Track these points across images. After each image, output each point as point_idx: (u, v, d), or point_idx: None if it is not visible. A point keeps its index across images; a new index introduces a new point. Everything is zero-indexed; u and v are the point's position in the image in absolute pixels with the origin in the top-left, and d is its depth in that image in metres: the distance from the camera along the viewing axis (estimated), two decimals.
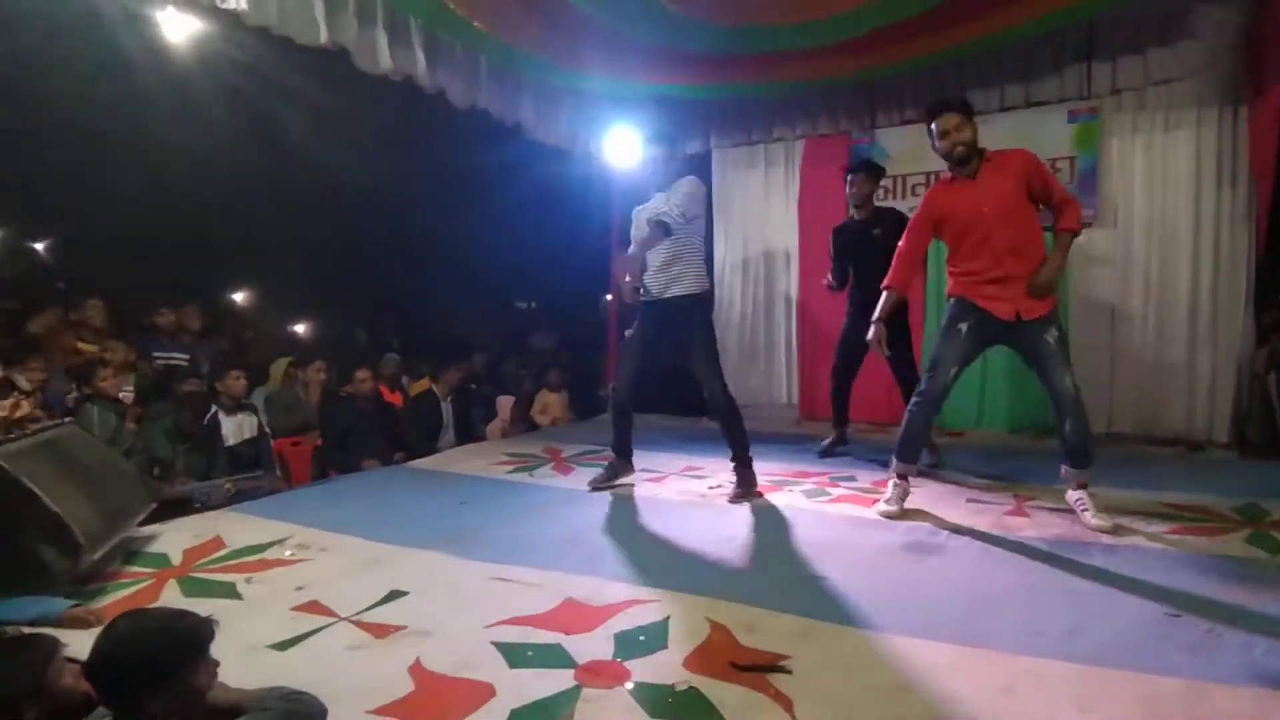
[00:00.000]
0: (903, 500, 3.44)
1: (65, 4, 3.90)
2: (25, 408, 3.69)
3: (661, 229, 3.60)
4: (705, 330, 3.79)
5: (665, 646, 2.18)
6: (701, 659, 2.10)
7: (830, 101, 6.13)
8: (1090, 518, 3.17)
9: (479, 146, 6.85)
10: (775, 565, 2.89)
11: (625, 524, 3.49)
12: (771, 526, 3.38)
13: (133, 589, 2.71)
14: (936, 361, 3.37)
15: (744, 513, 3.58)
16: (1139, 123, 5.23)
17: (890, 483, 3.50)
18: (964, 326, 3.31)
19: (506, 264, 9.45)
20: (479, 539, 3.18)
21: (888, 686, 1.96)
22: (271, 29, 3.71)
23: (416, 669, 2.09)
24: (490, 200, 8.58)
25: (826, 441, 4.85)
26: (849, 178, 4.65)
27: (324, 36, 3.88)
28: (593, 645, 2.19)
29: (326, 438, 5.16)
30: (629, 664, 2.08)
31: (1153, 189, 5.22)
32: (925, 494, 3.78)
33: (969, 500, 3.67)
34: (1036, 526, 3.23)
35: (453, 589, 2.66)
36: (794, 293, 6.52)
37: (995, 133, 5.60)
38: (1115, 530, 3.08)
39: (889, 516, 3.38)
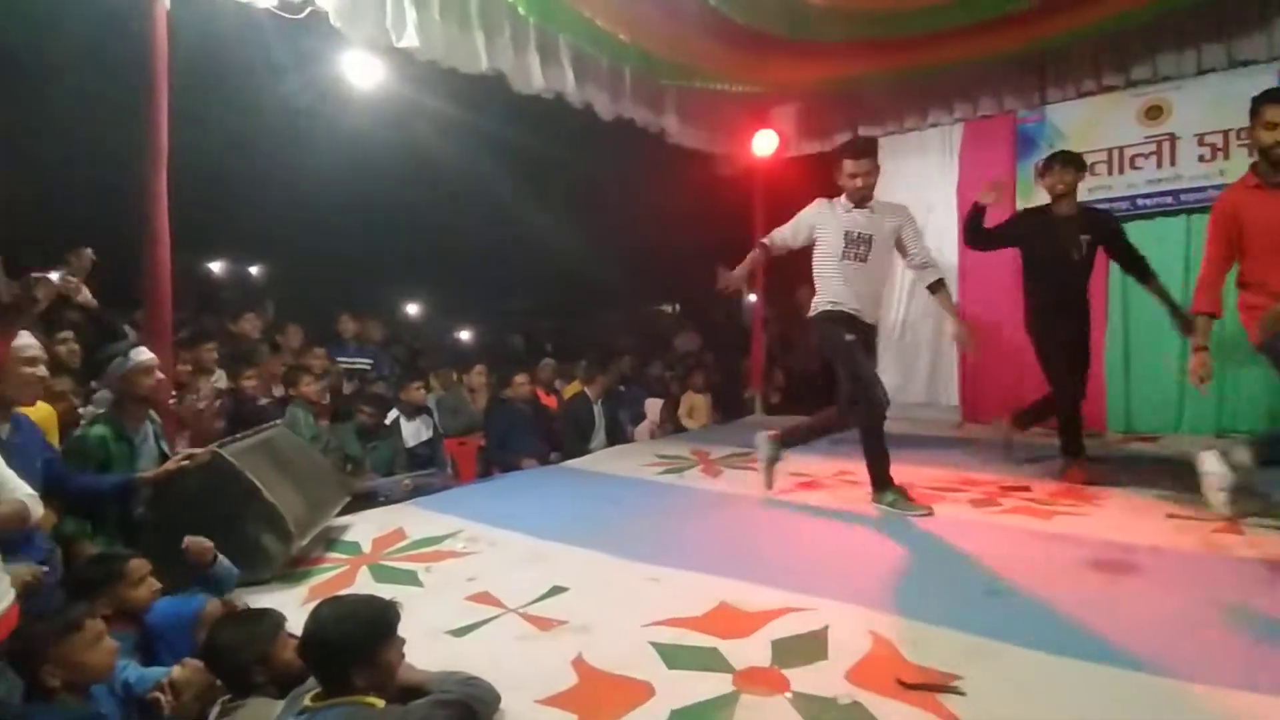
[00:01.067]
0: None
1: (268, 50, 4.45)
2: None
3: (933, 275, 3.68)
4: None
5: (825, 657, 2.12)
6: (865, 673, 2.03)
7: (992, 79, 5.71)
8: None
9: (624, 156, 7.03)
10: (941, 578, 2.73)
11: (778, 529, 3.44)
12: (935, 536, 3.19)
13: (332, 573, 3.03)
14: None
15: (904, 521, 3.42)
16: None
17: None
18: None
19: (651, 269, 9.64)
20: (633, 539, 3.26)
21: (1073, 717, 1.79)
22: (439, 62, 4.02)
23: (579, 663, 2.18)
24: (635, 207, 8.78)
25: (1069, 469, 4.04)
26: (1045, 167, 4.10)
27: (484, 64, 4.15)
28: (749, 651, 2.18)
29: (489, 438, 5.51)
30: (788, 672, 2.05)
31: None
32: (1118, 506, 3.42)
33: (1169, 515, 3.28)
34: (1253, 546, 2.83)
35: (610, 587, 2.74)
36: (954, 288, 6.12)
37: (1192, 100, 4.99)
38: None
39: None
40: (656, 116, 5.76)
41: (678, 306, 11.29)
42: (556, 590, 2.73)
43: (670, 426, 6.55)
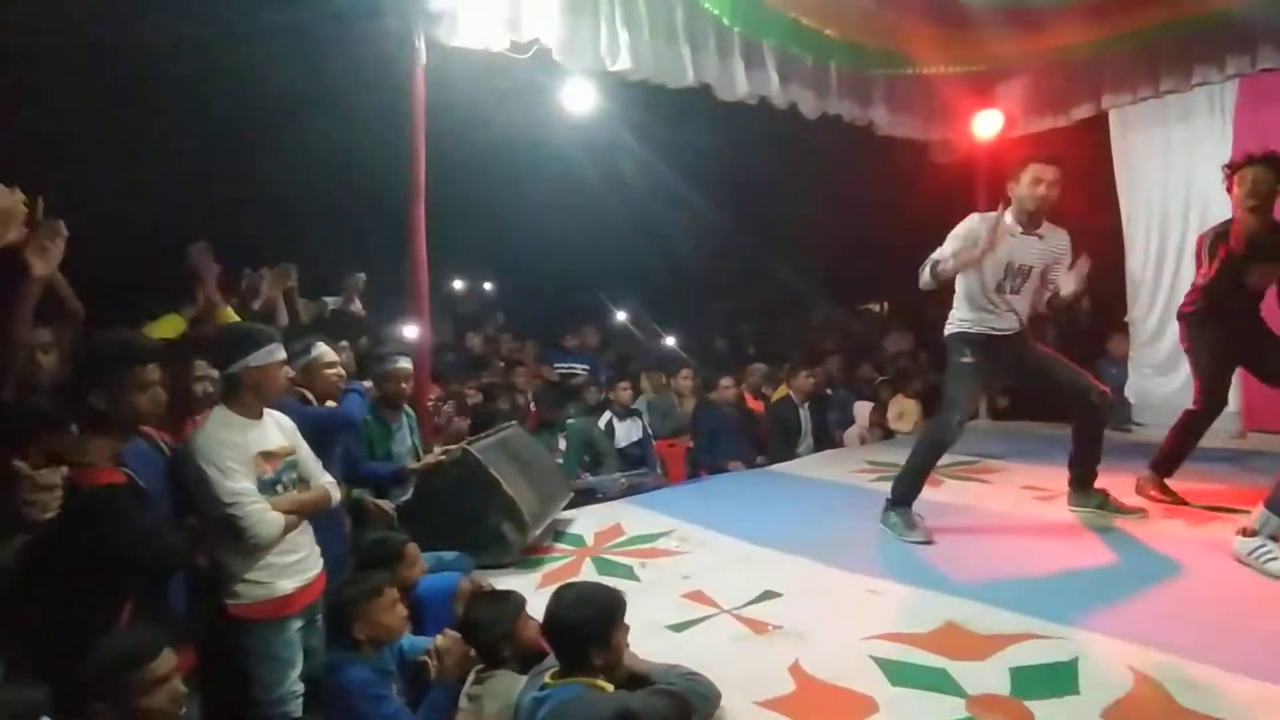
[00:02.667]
0: None
1: (498, 95, 4.96)
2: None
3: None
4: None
5: (1076, 692, 1.93)
6: (1127, 714, 1.81)
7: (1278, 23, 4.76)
8: None
9: (829, 153, 6.85)
10: (1219, 614, 2.35)
11: (1011, 545, 3.17)
12: (1211, 564, 2.75)
13: (561, 562, 3.30)
14: None
15: (1173, 545, 2.98)
16: None
17: None
18: None
19: (857, 266, 9.27)
20: (847, 548, 3.17)
21: None
22: (648, 80, 4.21)
23: (796, 670, 2.17)
24: (840, 204, 8.51)
25: None
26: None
27: (690, 77, 4.28)
28: (984, 676, 2.04)
29: (697, 441, 5.64)
30: (1030, 704, 1.89)
31: None
32: None
33: None
34: None
35: (826, 596, 2.70)
36: None
37: None
38: None
39: None
40: (864, 109, 5.54)
41: (886, 305, 10.72)
42: (769, 594, 2.74)
43: (880, 432, 6.26)
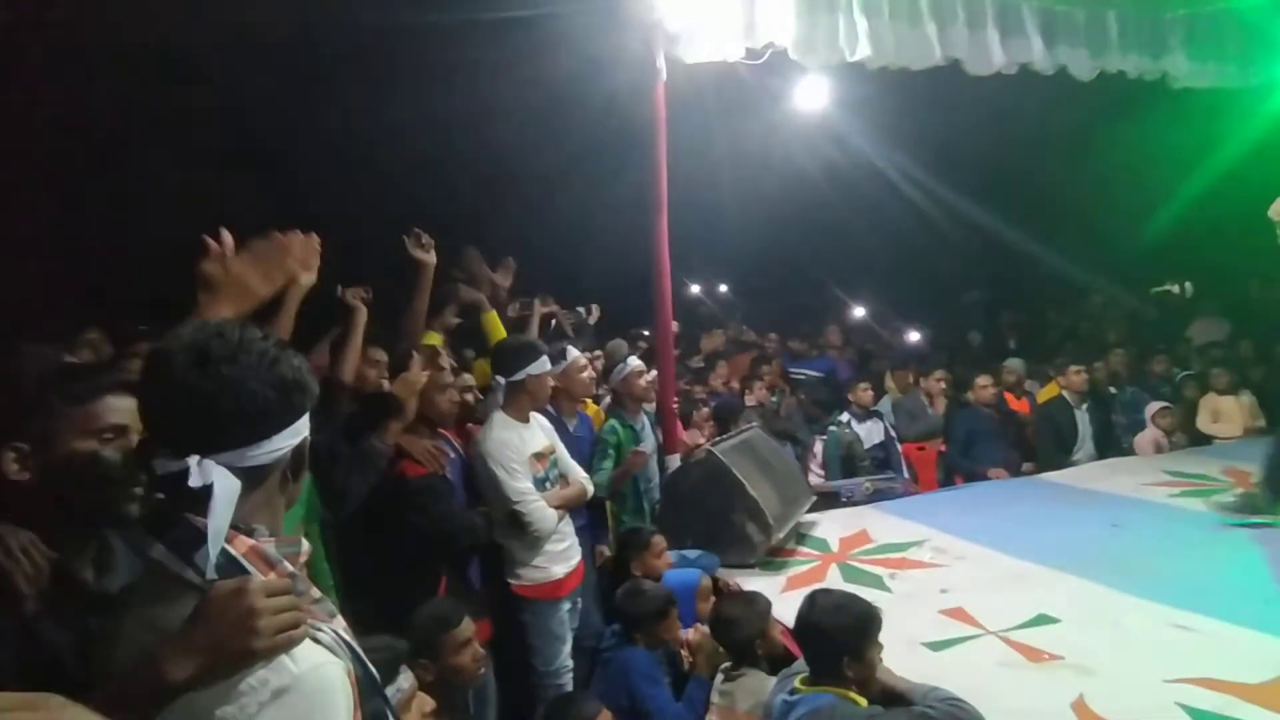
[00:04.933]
0: None
1: (732, 101, 5.05)
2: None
3: None
4: None
5: None
6: None
7: None
8: None
9: (1110, 115, 5.98)
10: None
11: None
12: None
13: (806, 566, 3.27)
14: None
15: None
16: None
17: None
18: None
19: (1148, 242, 7.94)
20: (1145, 573, 2.75)
21: None
22: (889, 66, 4.00)
23: (1081, 707, 1.95)
24: (1127, 170, 7.38)
25: None
26: None
27: (938, 55, 3.99)
28: None
29: (950, 444, 5.24)
30: None
31: None
32: None
33: None
34: None
35: (1117, 627, 2.38)
36: None
37: None
38: None
39: None
40: (1155, 61, 4.73)
41: (1189, 285, 9.02)
42: (1045, 619, 2.48)
43: (1185, 437, 5.30)
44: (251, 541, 0.91)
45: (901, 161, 7.55)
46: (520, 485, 2.46)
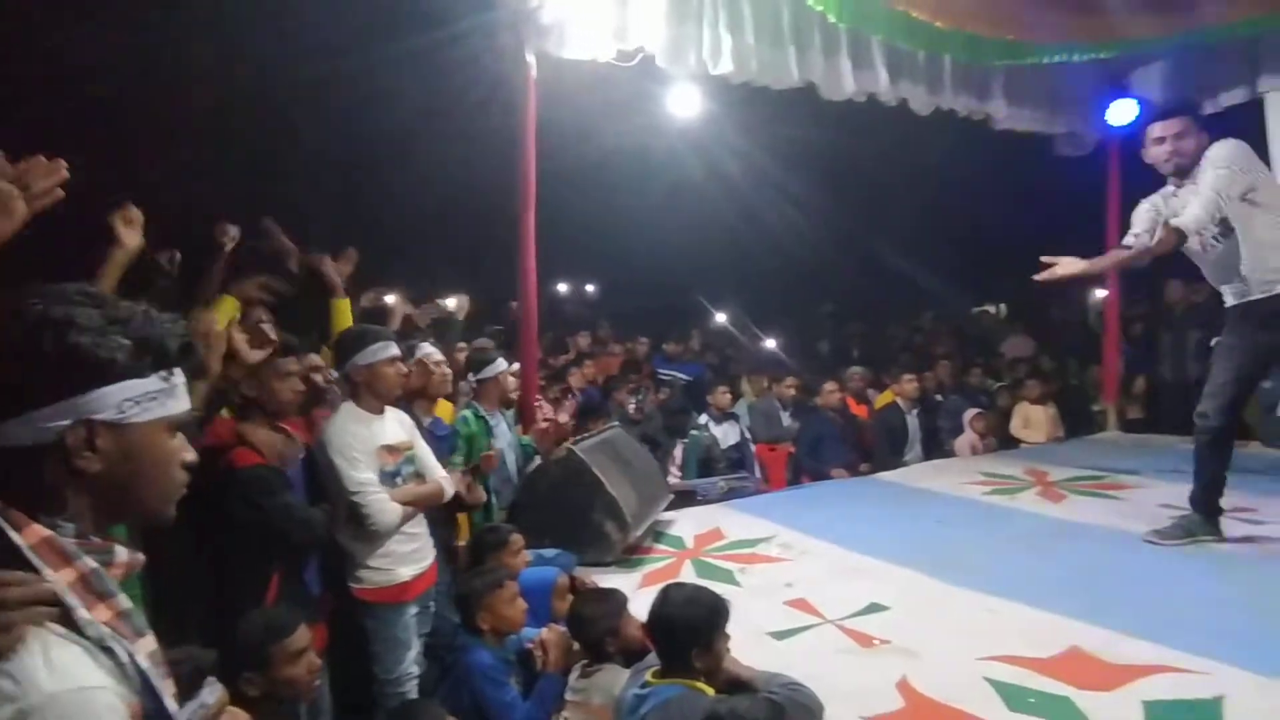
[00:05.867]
0: None
1: (603, 102, 5.08)
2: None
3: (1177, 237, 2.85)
4: None
5: None
6: None
7: None
8: None
9: (942, 149, 6.58)
10: None
11: (1148, 570, 2.93)
12: None
13: (662, 563, 3.32)
14: None
15: None
16: None
17: None
18: None
19: (972, 266, 8.85)
20: (962, 564, 3.03)
21: None
22: (751, 82, 4.18)
23: (905, 687, 2.11)
24: (955, 201, 8.16)
25: None
26: None
27: (796, 77, 4.22)
28: (1114, 708, 1.91)
29: (799, 446, 5.55)
30: None
31: None
32: None
33: None
34: None
35: (938, 612, 2.60)
36: None
37: None
38: None
39: None
40: (981, 103, 5.28)
41: (1003, 307, 10.15)
42: (876, 607, 2.66)
43: (995, 441, 5.93)
44: (46, 533, 0.80)
45: (770, 175, 7.92)
46: (360, 475, 2.30)
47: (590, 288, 10.44)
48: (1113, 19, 4.75)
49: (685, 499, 4.50)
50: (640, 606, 2.34)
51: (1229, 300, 3.07)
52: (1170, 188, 3.09)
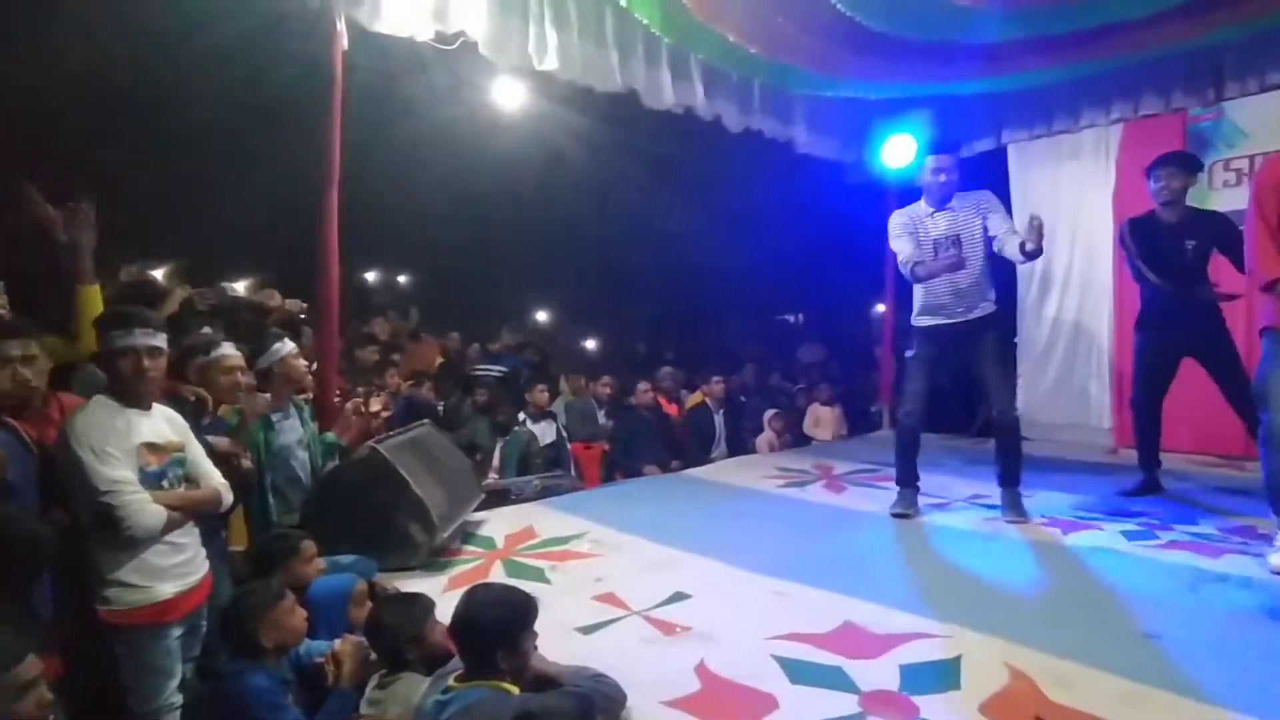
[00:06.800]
0: None
1: (427, 83, 4.86)
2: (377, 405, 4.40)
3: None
4: (1003, 342, 3.60)
5: (958, 687, 2.05)
6: (1002, 707, 1.94)
7: (1158, 75, 5.21)
8: None
9: (752, 167, 7.03)
10: (1089, 615, 2.55)
11: (908, 551, 3.33)
12: (1083, 569, 2.98)
13: (471, 565, 3.24)
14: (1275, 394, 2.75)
15: (1048, 550, 3.21)
16: None
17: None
18: None
19: (775, 278, 9.56)
20: (755, 551, 3.25)
21: None
22: (576, 80, 4.21)
23: (702, 670, 2.22)
24: (762, 217, 8.75)
25: (1132, 485, 4.13)
26: (1157, 172, 3.80)
27: (619, 82, 4.31)
28: (877, 673, 2.14)
29: (614, 444, 5.66)
30: (917, 699, 1.99)
31: None
32: None
33: None
34: None
35: (734, 597, 2.77)
36: (1110, 302, 5.67)
37: None
38: None
39: None
40: (785, 127, 5.73)
41: (802, 317, 11.09)
42: (680, 596, 2.78)
43: (790, 439, 6.46)
44: None
45: (595, 176, 7.97)
46: (114, 474, 1.96)
47: (402, 278, 9.92)
48: (893, 66, 5.35)
49: (499, 498, 4.42)
50: (446, 610, 2.26)
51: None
52: (925, 209, 3.61)
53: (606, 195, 8.30)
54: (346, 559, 2.80)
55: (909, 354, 3.73)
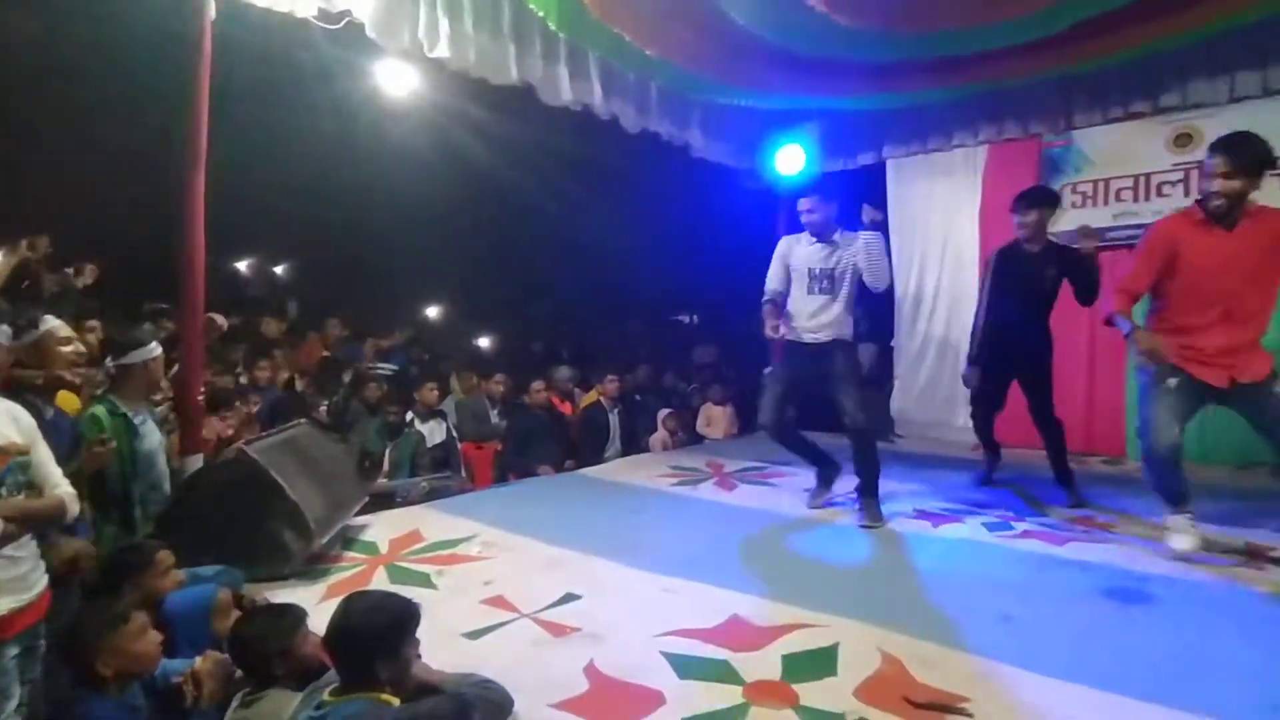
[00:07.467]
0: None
1: (309, 65, 4.58)
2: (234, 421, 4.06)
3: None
4: (853, 363, 3.85)
5: (835, 673, 2.14)
6: (873, 690, 2.05)
7: (1018, 103, 5.68)
8: None
9: (648, 168, 7.09)
10: (953, 600, 2.73)
11: (792, 545, 3.46)
12: (948, 559, 3.20)
13: (351, 571, 3.09)
14: (1152, 421, 3.02)
15: (916, 542, 3.42)
16: None
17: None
18: (1173, 382, 2.97)
19: (671, 279, 9.68)
20: (646, 549, 3.28)
21: None
22: (469, 72, 4.10)
23: (591, 670, 2.21)
24: (658, 218, 8.85)
25: (978, 478, 4.56)
26: (1017, 207, 4.05)
27: (514, 75, 4.23)
28: (760, 664, 2.20)
29: (507, 444, 5.56)
30: (797, 687, 2.07)
31: None
32: (1136, 534, 3.41)
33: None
34: (1269, 582, 2.80)
35: (624, 596, 2.78)
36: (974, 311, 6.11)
37: (1224, 129, 4.90)
38: None
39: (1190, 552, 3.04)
40: (682, 131, 5.82)
41: (696, 318, 11.30)
42: (571, 597, 2.76)
43: (684, 437, 6.57)
44: None
45: (492, 169, 7.75)
46: None
47: (279, 269, 9.31)
48: (785, 79, 5.54)
49: (384, 502, 4.24)
50: (322, 621, 2.14)
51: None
52: (808, 238, 3.86)
53: (504, 191, 8.13)
54: (209, 570, 2.60)
55: (767, 370, 3.91)
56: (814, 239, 3.83)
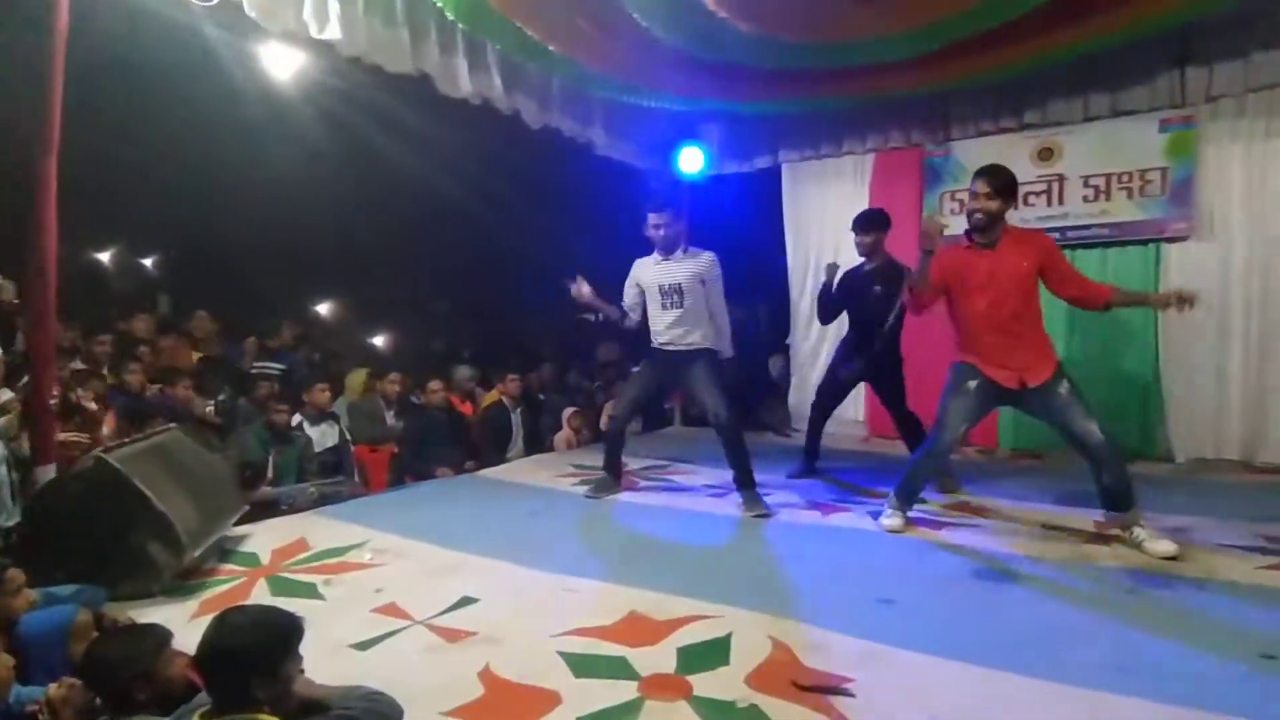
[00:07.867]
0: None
1: (183, 45, 4.26)
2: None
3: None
4: (712, 367, 4.04)
5: (727, 663, 2.20)
6: (763, 677, 2.11)
7: (902, 115, 6.02)
8: (1153, 545, 3.07)
9: (551, 164, 7.03)
10: (839, 586, 2.86)
11: (689, 539, 3.52)
12: (836, 547, 3.34)
13: (228, 585, 2.90)
14: (944, 417, 3.38)
15: (808, 532, 3.56)
16: (1238, 130, 4.95)
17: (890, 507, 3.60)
18: (972, 385, 3.33)
19: (575, 277, 9.59)
20: (547, 550, 3.26)
21: (956, 716, 1.92)
22: (362, 58, 3.93)
23: (486, 674, 2.17)
24: (560, 216, 8.78)
25: (796, 469, 4.79)
26: (858, 230, 4.46)
27: (410, 64, 4.09)
28: (656, 658, 2.23)
29: (403, 446, 5.37)
30: (691, 678, 2.11)
31: (1252, 200, 4.93)
32: (1004, 519, 3.67)
33: (1045, 526, 3.55)
34: (1119, 557, 3.10)
35: (521, 598, 2.75)
36: None
37: (1080, 145, 5.41)
38: (1180, 555, 2.99)
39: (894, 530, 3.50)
40: (584, 128, 5.80)
41: (601, 316, 11.29)
42: (467, 601, 2.70)
43: (589, 435, 6.56)
44: None
45: (385, 160, 7.43)
46: None
47: (147, 261, 8.59)
48: (687, 80, 5.63)
49: (268, 510, 4.01)
50: (193, 639, 2.00)
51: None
52: (655, 257, 4.11)
53: (401, 184, 7.82)
54: (65, 590, 2.38)
55: (635, 369, 4.18)
56: (661, 257, 4.03)
